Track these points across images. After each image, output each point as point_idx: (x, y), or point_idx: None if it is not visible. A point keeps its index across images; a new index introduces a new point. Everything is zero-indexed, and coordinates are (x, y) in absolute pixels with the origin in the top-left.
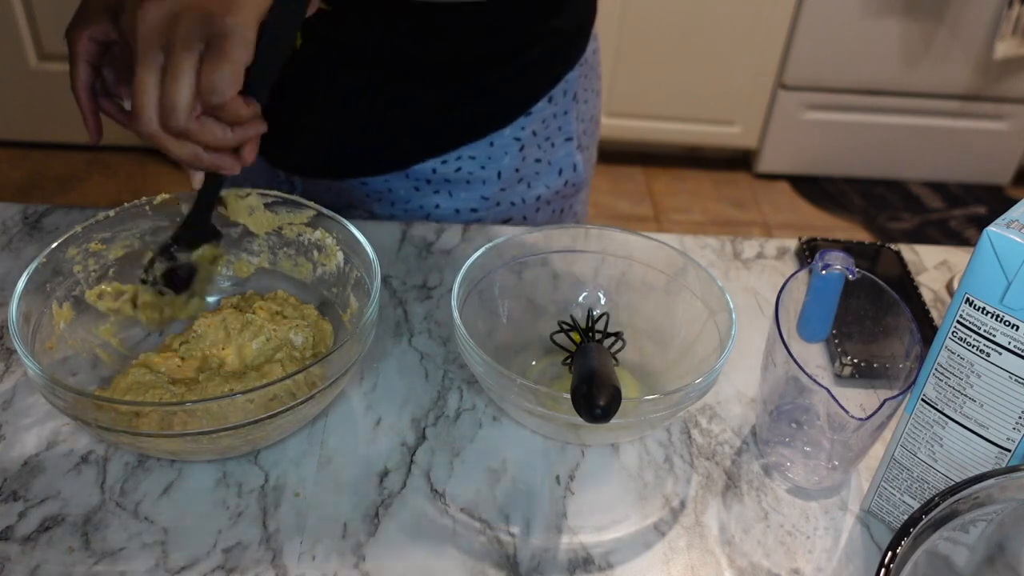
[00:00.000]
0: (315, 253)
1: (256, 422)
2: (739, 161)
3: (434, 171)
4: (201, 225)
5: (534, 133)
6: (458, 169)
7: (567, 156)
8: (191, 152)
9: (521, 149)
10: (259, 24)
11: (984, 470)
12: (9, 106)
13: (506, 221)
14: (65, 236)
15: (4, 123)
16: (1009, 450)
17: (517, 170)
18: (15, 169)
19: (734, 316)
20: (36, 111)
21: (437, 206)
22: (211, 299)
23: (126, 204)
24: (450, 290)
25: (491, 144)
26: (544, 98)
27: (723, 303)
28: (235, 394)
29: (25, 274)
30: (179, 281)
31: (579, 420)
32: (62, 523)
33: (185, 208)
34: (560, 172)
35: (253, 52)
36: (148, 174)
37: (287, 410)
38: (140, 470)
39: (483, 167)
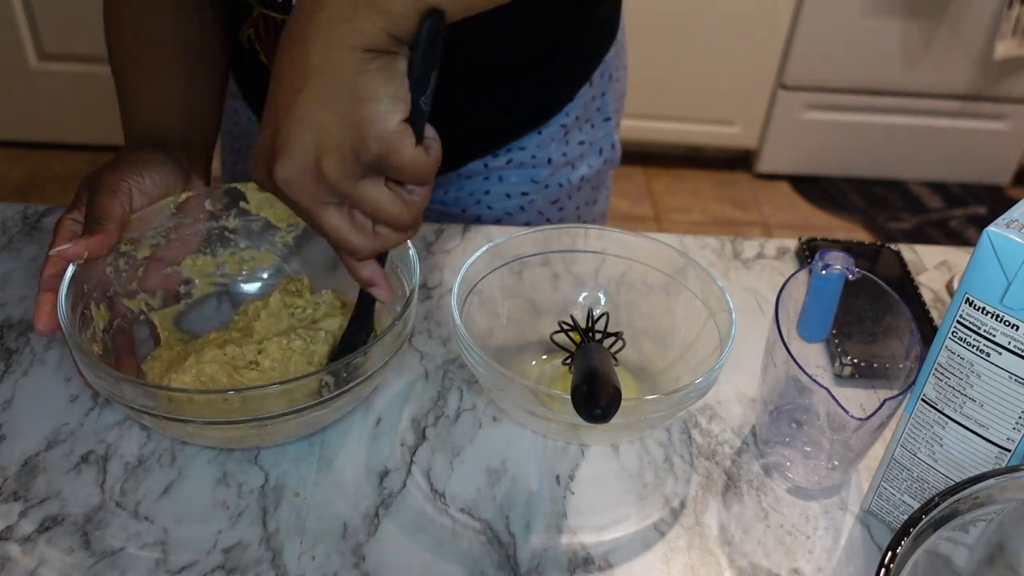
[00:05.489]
0: None
1: (322, 403)
2: (739, 161)
3: (485, 165)
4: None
5: (577, 118)
6: (509, 161)
7: (606, 136)
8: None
9: (566, 134)
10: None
11: (984, 470)
12: (9, 106)
13: (554, 202)
14: None
15: (4, 123)
16: (1009, 450)
17: (565, 154)
18: (15, 169)
19: (734, 316)
20: (36, 111)
21: (487, 192)
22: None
23: (151, 204)
24: (450, 290)
25: (539, 133)
26: (587, 83)
27: (723, 303)
28: (311, 374)
29: (67, 274)
30: None
31: (579, 420)
32: (62, 523)
33: (209, 204)
34: (600, 152)
35: (413, 134)
36: None
37: (345, 391)
38: (140, 470)
39: (533, 156)
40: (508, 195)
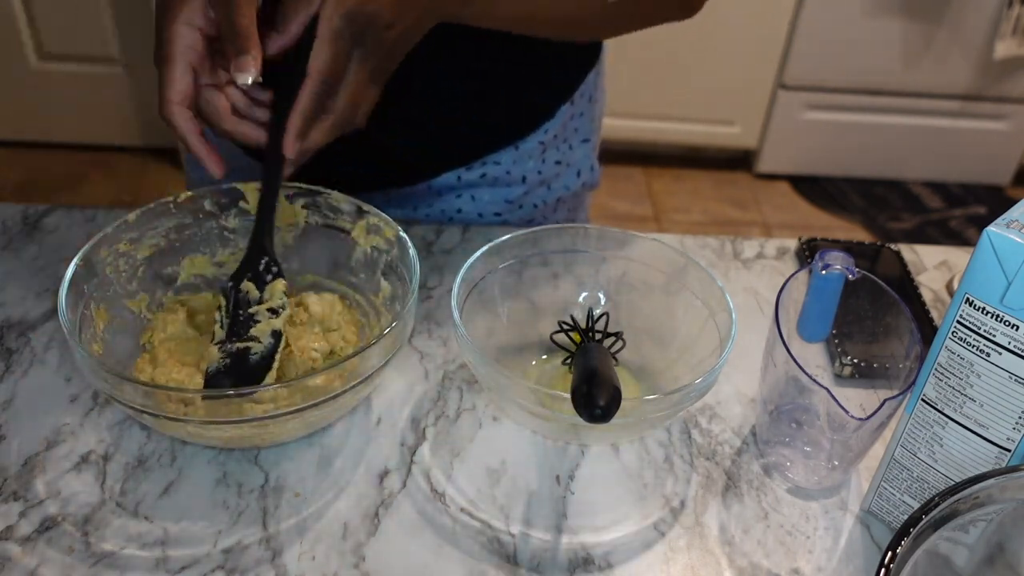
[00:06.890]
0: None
1: (322, 403)
2: (739, 161)
3: (459, 179)
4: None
5: (555, 136)
6: (483, 175)
7: (584, 158)
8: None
9: (543, 152)
10: None
11: (984, 470)
12: (9, 106)
13: (529, 222)
14: (97, 237)
15: (4, 123)
16: (1009, 450)
17: (540, 173)
18: (15, 169)
19: (734, 316)
20: (36, 111)
21: (459, 210)
22: None
23: (151, 204)
24: (450, 290)
25: (516, 148)
26: (567, 101)
27: (723, 303)
28: (315, 373)
29: (68, 274)
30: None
31: (579, 420)
32: (62, 523)
33: (208, 204)
34: (579, 174)
35: None
36: (148, 174)
37: (345, 391)
38: (140, 470)
39: (508, 172)
40: (480, 215)
